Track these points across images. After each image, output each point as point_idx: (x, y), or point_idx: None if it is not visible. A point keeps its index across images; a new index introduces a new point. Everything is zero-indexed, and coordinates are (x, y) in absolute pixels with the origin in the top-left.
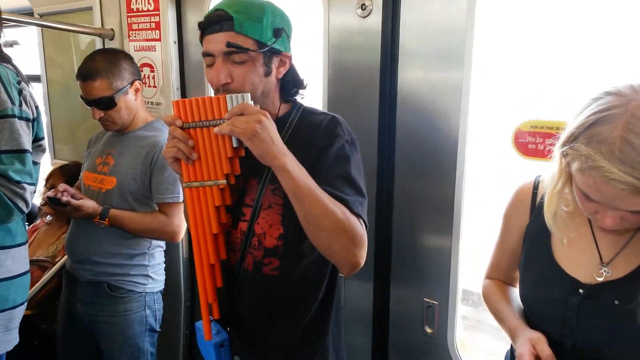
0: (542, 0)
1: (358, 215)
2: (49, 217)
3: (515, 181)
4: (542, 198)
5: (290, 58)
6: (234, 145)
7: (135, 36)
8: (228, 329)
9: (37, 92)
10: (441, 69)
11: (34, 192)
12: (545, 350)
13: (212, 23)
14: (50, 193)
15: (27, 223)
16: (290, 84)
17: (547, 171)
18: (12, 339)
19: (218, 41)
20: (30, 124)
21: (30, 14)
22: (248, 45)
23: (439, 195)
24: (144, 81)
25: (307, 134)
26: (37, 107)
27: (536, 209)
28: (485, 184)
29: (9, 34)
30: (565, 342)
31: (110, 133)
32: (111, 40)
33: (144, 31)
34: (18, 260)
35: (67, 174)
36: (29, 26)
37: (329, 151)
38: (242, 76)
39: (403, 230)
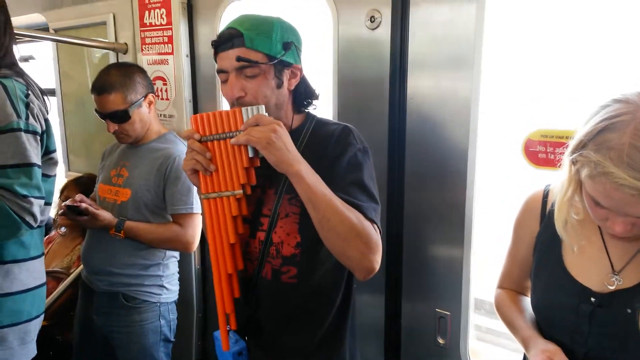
0: (552, 9)
1: (372, 221)
2: (63, 229)
3: (525, 190)
4: (552, 206)
5: (301, 70)
6: (250, 155)
7: (148, 50)
8: (246, 337)
9: (52, 105)
10: (450, 79)
11: (47, 205)
12: None
13: (224, 41)
14: (69, 202)
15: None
16: (302, 95)
17: (556, 179)
18: (30, 352)
19: (230, 57)
20: (38, 137)
21: (45, 29)
22: (258, 59)
23: (450, 204)
24: (157, 94)
25: (321, 144)
26: (47, 120)
27: (546, 218)
28: (496, 192)
29: (25, 49)
30: (577, 351)
31: (124, 145)
32: (125, 54)
33: (157, 45)
34: (32, 274)
35: (81, 186)
36: (45, 41)
37: (342, 159)
38: (254, 89)
39: (414, 239)
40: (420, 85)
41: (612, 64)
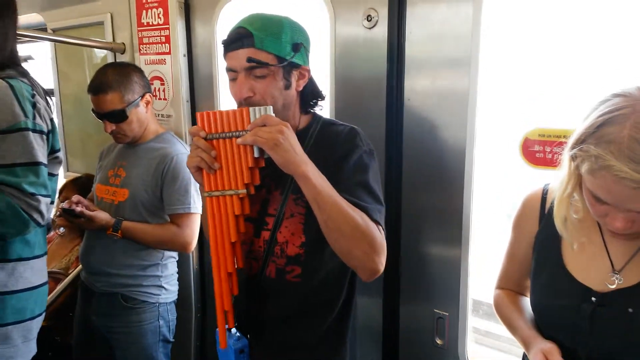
0: (549, 7)
1: (377, 223)
2: (62, 229)
3: (523, 189)
4: (552, 206)
5: (309, 71)
6: (255, 155)
7: (145, 50)
8: (248, 335)
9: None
10: (448, 78)
11: (51, 204)
12: None
13: (234, 40)
14: (65, 204)
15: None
16: (310, 96)
17: (555, 178)
18: (32, 349)
19: (240, 57)
20: (44, 136)
21: (43, 29)
22: (268, 60)
23: (447, 204)
24: (154, 94)
25: (327, 145)
26: (52, 120)
27: (545, 217)
28: (494, 192)
29: (24, 49)
30: (579, 351)
31: (122, 145)
32: (122, 54)
33: (154, 45)
34: (36, 272)
35: (79, 186)
36: (43, 41)
37: (348, 161)
38: (263, 90)
39: (411, 240)
40: (418, 84)
41: (611, 62)
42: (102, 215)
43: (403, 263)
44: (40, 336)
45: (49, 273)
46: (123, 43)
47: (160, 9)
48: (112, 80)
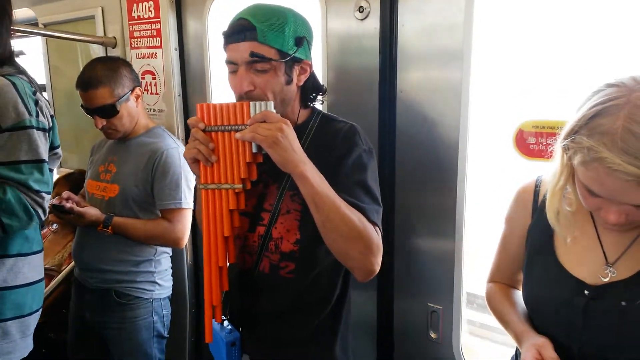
0: None
1: (374, 223)
2: (55, 226)
3: (517, 182)
4: (544, 197)
5: (310, 65)
6: (254, 151)
7: (137, 44)
8: (240, 328)
9: None
10: (441, 70)
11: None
12: (550, 355)
13: (235, 32)
14: (55, 200)
15: None
16: (310, 90)
17: (548, 170)
18: (29, 345)
19: (241, 50)
20: (47, 133)
21: (35, 24)
22: (271, 55)
23: (441, 197)
24: (146, 88)
25: (326, 141)
26: (52, 116)
27: (538, 209)
28: (487, 185)
29: (15, 44)
30: (572, 345)
31: (112, 141)
32: (114, 48)
33: (145, 38)
34: (34, 268)
35: (72, 182)
36: (35, 36)
37: (347, 159)
38: (264, 84)
39: (405, 234)
40: (410, 76)
41: (606, 52)
42: (93, 212)
43: (397, 257)
44: (34, 333)
45: None
46: (114, 37)
47: (151, 2)
48: (102, 75)
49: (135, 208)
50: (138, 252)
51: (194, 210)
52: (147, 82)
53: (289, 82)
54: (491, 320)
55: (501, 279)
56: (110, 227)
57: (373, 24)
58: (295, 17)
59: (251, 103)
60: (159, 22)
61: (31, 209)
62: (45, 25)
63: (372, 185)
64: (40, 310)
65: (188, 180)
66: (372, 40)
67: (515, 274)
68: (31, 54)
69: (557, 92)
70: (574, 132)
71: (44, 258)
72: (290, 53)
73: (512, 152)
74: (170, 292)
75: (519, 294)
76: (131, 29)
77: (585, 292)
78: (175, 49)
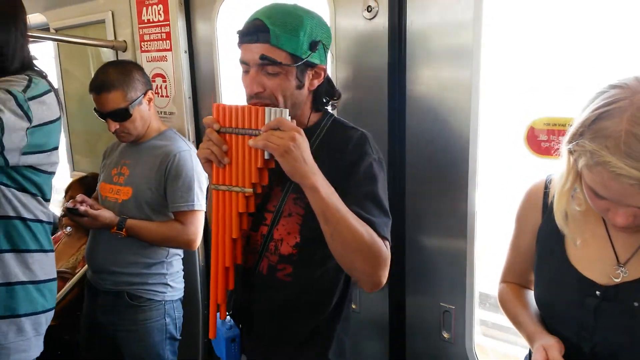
0: None
1: (384, 237)
2: (69, 229)
3: (529, 180)
4: (554, 197)
5: (325, 70)
6: (266, 157)
7: (147, 47)
8: (240, 325)
9: None
10: (450, 68)
11: (47, 201)
12: (554, 357)
13: (249, 33)
14: (69, 204)
15: None
16: (323, 94)
17: (556, 171)
18: (40, 346)
19: (253, 51)
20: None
21: (46, 29)
22: (282, 59)
23: (452, 196)
24: (156, 91)
25: (336, 147)
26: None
27: (548, 209)
28: (499, 183)
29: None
30: (583, 346)
31: (125, 144)
32: (124, 51)
33: (155, 42)
34: (46, 267)
35: (85, 185)
36: (46, 41)
37: (357, 168)
38: (274, 87)
39: (416, 234)
40: (420, 74)
41: (616, 49)
42: (106, 214)
43: (408, 256)
44: (49, 335)
45: (57, 272)
46: (124, 41)
47: (160, 6)
48: (115, 79)
49: (148, 210)
50: (150, 255)
51: (205, 212)
52: (157, 85)
53: (300, 86)
54: (504, 320)
55: (513, 280)
56: (124, 230)
57: (381, 23)
58: (312, 20)
59: (266, 109)
60: (169, 25)
61: None
62: (57, 30)
63: (382, 196)
64: (53, 310)
65: (200, 183)
66: (380, 39)
67: (527, 274)
68: (43, 58)
69: (568, 89)
70: (578, 134)
71: (58, 261)
72: (303, 57)
73: (524, 149)
74: (182, 294)
75: (531, 294)
76: (141, 33)
77: (597, 292)
78: (185, 52)
